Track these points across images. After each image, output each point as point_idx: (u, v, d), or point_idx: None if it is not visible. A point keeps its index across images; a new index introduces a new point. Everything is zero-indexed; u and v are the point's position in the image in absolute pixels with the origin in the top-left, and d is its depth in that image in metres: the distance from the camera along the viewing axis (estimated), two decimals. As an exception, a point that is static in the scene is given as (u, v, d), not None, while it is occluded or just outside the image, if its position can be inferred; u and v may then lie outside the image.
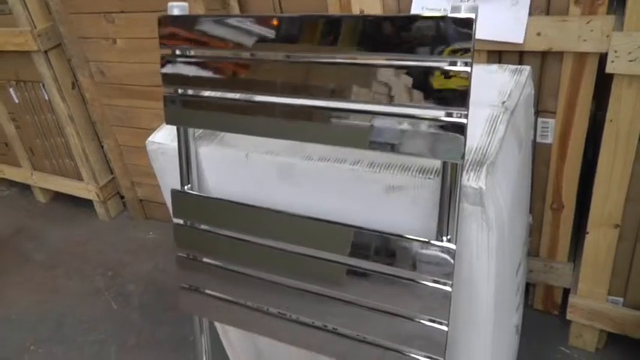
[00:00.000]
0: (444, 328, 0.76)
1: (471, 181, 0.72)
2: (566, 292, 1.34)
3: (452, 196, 0.71)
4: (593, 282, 1.22)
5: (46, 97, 2.05)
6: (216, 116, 0.88)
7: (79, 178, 2.17)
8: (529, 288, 1.46)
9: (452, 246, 0.72)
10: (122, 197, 2.21)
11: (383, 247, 0.76)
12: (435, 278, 0.74)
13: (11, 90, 2.15)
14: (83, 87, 1.94)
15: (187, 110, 0.90)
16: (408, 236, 0.74)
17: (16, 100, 2.16)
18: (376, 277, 0.79)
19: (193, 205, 0.94)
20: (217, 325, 1.27)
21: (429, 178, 0.74)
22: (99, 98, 1.94)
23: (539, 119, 1.18)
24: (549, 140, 1.19)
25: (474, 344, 0.89)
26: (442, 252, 0.72)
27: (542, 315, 1.47)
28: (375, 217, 0.80)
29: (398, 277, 0.77)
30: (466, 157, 0.75)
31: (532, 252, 1.34)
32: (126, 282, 1.86)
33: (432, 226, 0.75)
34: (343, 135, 0.76)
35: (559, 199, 1.23)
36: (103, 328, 1.69)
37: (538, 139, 1.20)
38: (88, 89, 1.93)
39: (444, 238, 0.73)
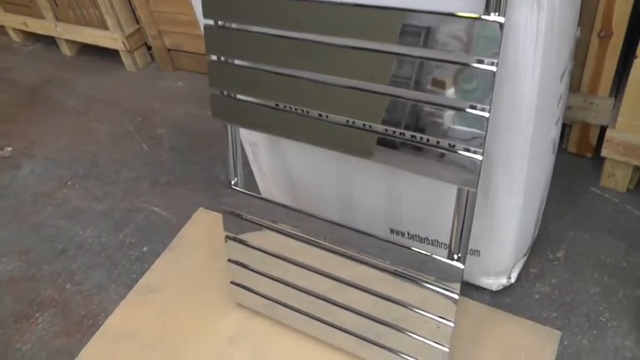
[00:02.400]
0: (486, 114, 0.74)
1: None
2: (602, 133, 1.30)
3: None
4: (633, 113, 1.17)
5: (66, -61, 1.96)
6: None
7: (104, 28, 2.12)
8: (564, 129, 1.43)
9: (501, 19, 0.68)
10: (149, 49, 2.17)
11: (430, 30, 0.72)
12: (482, 57, 0.71)
13: None
14: None
15: None
16: (456, 13, 0.70)
17: (36, -56, 2.08)
18: (421, 63, 0.76)
19: (224, 1, 0.90)
20: (248, 151, 1.28)
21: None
22: (121, -63, 1.85)
23: None
24: (605, -45, 1.10)
25: (513, 144, 0.87)
26: (490, 27, 0.68)
27: (576, 157, 1.45)
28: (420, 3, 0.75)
29: (444, 60, 0.74)
30: None
31: (572, 87, 1.29)
32: (156, 126, 1.88)
33: (479, 9, 0.71)
34: None
35: (608, 26, 1.16)
36: (136, 167, 1.73)
37: (593, -45, 1.11)
38: None
39: (492, 15, 0.68)
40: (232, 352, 1.20)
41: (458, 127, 0.76)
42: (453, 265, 0.86)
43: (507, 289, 1.18)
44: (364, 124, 0.89)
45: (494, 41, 0.68)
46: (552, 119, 0.94)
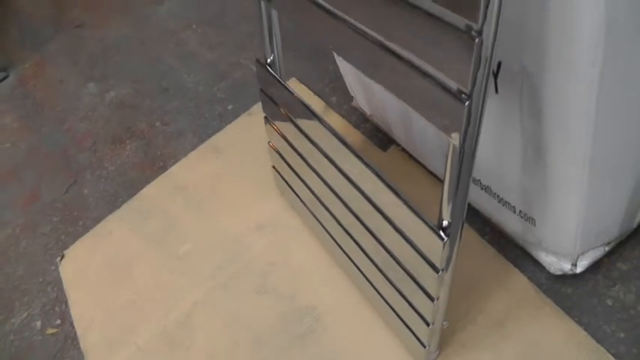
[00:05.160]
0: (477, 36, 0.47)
1: None
2: None
3: None
4: None
5: None
6: None
7: None
8: None
9: None
10: None
11: None
12: None
13: None
14: None
15: None
16: None
17: None
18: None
19: None
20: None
21: None
22: None
23: None
24: None
25: (569, 94, 0.58)
26: None
27: None
28: None
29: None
30: None
31: None
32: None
33: None
34: None
35: None
36: (256, 23, 1.64)
37: None
38: None
39: None
40: (254, 238, 1.15)
41: (439, 47, 0.50)
42: (432, 236, 0.65)
43: (573, 276, 0.89)
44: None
45: None
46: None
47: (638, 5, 0.50)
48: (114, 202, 1.36)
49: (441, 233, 0.65)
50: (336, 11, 0.66)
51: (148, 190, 1.34)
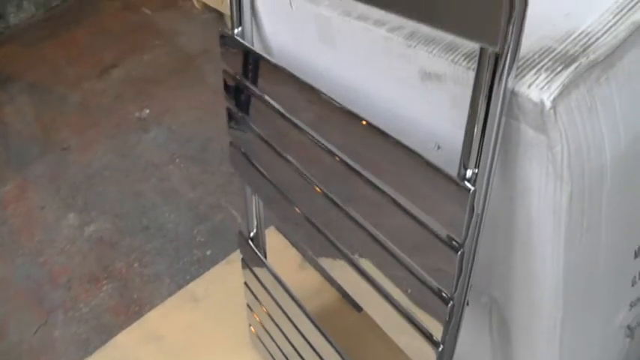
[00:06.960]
0: (446, 307, 0.51)
1: (533, 87, 0.41)
2: None
3: (490, 104, 0.41)
4: None
5: None
6: None
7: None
8: None
9: (469, 186, 0.44)
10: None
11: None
12: (447, 236, 0.48)
13: None
14: None
15: None
16: (415, 150, 0.48)
17: None
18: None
19: (239, 54, 0.77)
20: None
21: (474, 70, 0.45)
22: None
23: None
24: None
25: (535, 329, 0.61)
26: (455, 193, 0.45)
27: None
28: (408, 110, 0.54)
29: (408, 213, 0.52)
30: (552, 46, 0.43)
31: None
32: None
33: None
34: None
35: None
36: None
37: None
38: None
39: (468, 171, 0.45)
40: (227, 398, 1.13)
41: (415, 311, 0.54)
42: None
43: None
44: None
45: (456, 222, 0.45)
46: (619, 302, 0.64)
47: (591, 257, 0.56)
48: (85, 347, 1.33)
49: None
50: (323, 230, 0.71)
51: (122, 338, 1.31)
